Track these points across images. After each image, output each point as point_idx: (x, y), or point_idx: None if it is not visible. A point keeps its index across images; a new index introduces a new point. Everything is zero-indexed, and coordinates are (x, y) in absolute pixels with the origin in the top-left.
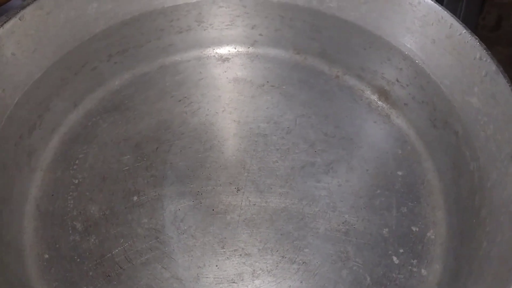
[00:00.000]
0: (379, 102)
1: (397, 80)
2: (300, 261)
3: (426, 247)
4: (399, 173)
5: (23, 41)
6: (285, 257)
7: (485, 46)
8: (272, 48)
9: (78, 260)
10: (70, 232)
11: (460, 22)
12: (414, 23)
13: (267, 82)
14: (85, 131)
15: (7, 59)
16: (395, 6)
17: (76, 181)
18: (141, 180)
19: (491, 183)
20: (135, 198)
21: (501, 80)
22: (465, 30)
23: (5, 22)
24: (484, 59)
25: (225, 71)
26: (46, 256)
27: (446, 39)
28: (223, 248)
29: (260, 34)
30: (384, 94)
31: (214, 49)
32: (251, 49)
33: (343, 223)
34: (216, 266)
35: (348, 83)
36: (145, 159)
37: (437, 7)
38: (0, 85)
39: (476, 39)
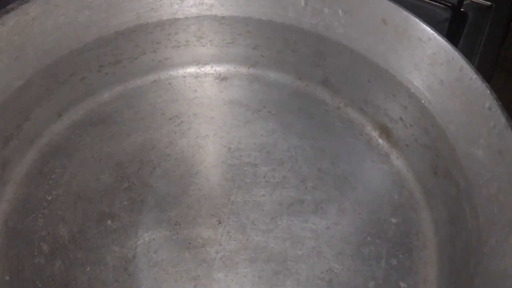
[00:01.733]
0: (380, 140)
1: (401, 119)
2: None
3: None
4: (393, 220)
5: (4, 47)
6: None
7: (495, 96)
8: (273, 71)
9: (40, 286)
10: (36, 253)
11: (472, 66)
12: (423, 60)
13: (264, 107)
14: (66, 143)
15: None
16: (404, 39)
17: (50, 198)
18: (118, 202)
19: (489, 249)
20: (109, 222)
21: (510, 136)
22: (476, 76)
23: None
24: (494, 109)
25: (222, 91)
26: (7, 277)
27: (455, 81)
28: (195, 287)
29: (262, 55)
30: (385, 132)
31: (212, 67)
32: (251, 70)
33: (327, 271)
34: None
35: (349, 116)
36: (125, 180)
37: (448, 46)
38: None
39: (487, 86)
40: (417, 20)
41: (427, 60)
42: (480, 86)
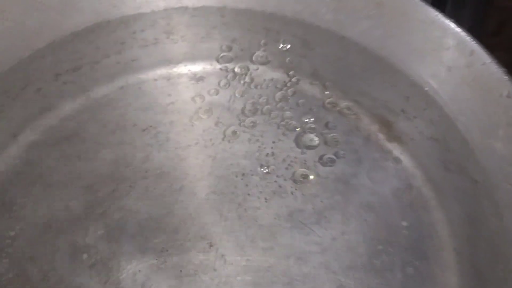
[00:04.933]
0: (380, 135)
1: (403, 111)
2: None
3: None
4: (404, 223)
5: None
6: None
7: None
8: (255, 66)
9: None
10: None
11: (485, 49)
12: (426, 45)
13: (249, 108)
14: (26, 169)
15: None
16: (403, 23)
17: (13, 234)
18: (92, 232)
19: None
20: (85, 256)
21: None
22: (490, 60)
23: None
24: None
25: (199, 94)
26: None
27: (465, 68)
28: None
29: (241, 49)
30: (386, 126)
31: (186, 66)
32: (230, 67)
33: (338, 287)
34: None
35: (343, 110)
36: (98, 204)
37: (455, 28)
38: None
39: (504, 71)
40: (418, 0)
41: (430, 44)
42: (496, 71)
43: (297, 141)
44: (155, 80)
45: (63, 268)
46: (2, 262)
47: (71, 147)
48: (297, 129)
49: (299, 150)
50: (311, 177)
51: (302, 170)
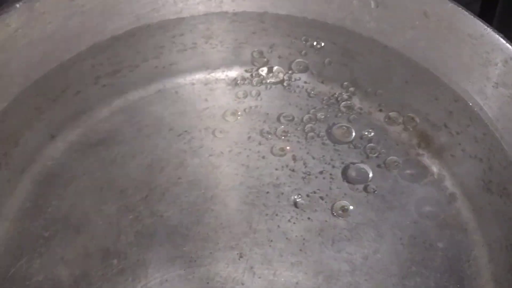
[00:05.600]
0: (419, 150)
1: (445, 125)
2: None
3: None
4: (440, 245)
5: None
6: None
7: None
8: (293, 73)
9: None
10: None
11: None
12: (473, 60)
13: (284, 116)
14: (62, 170)
15: None
16: (450, 35)
17: (47, 235)
18: (123, 238)
19: None
20: (115, 261)
21: None
22: None
23: None
24: None
25: (236, 100)
26: None
27: None
28: None
29: (279, 56)
30: (425, 140)
31: (223, 72)
32: (268, 73)
33: None
34: None
35: (382, 123)
36: (131, 210)
37: (504, 44)
38: None
39: None
40: (466, 13)
41: (478, 59)
42: None
43: (333, 153)
44: (193, 84)
45: (93, 273)
46: (33, 263)
47: (107, 150)
48: (334, 143)
49: (336, 163)
50: (348, 190)
51: (338, 183)
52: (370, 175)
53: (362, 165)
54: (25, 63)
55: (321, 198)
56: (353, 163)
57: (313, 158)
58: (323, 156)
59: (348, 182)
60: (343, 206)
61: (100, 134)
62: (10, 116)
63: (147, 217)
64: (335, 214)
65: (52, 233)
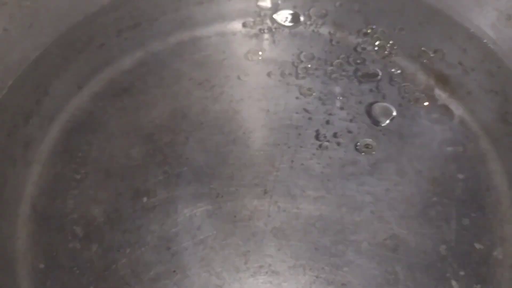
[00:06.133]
0: (436, 89)
1: (460, 63)
2: (338, 283)
3: (492, 269)
4: (460, 176)
5: (17, 14)
6: (320, 277)
7: None
8: (307, 22)
9: (78, 272)
10: (70, 238)
11: None
12: None
13: (301, 62)
14: (90, 118)
15: None
16: None
17: (79, 177)
18: (152, 178)
19: None
20: (145, 199)
21: None
22: None
23: None
24: None
25: (252, 49)
26: (42, 266)
27: None
28: (246, 263)
29: (295, 6)
30: (442, 80)
31: (240, 23)
32: (284, 24)
33: (390, 237)
34: (238, 285)
35: (399, 65)
36: (157, 152)
37: None
38: None
39: None
40: None
41: None
42: None
43: (355, 91)
44: (210, 37)
45: (124, 210)
46: (67, 203)
47: (131, 98)
48: (352, 83)
49: (354, 103)
50: (367, 128)
51: (356, 123)
52: (394, 113)
53: (384, 103)
54: (54, 15)
55: (342, 135)
56: (375, 102)
57: (334, 96)
58: (344, 93)
59: (370, 119)
60: (365, 143)
61: (123, 84)
62: (41, 66)
63: (173, 159)
64: (357, 149)
65: (83, 175)
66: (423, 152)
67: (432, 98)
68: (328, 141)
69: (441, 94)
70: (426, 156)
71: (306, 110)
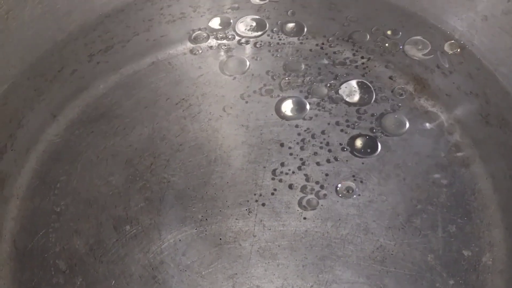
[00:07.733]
0: (415, 94)
1: (437, 67)
2: None
3: (482, 276)
4: (444, 181)
5: None
6: None
7: None
8: (282, 33)
9: None
10: (53, 273)
11: None
12: None
13: (278, 75)
14: (66, 147)
15: None
16: None
17: (58, 209)
18: (133, 204)
19: None
20: (128, 227)
21: None
22: None
23: None
24: None
25: (228, 64)
26: None
27: (503, 15)
28: (233, 287)
29: (268, 18)
30: (420, 84)
31: (214, 38)
32: (257, 37)
33: (378, 248)
34: None
35: (375, 71)
36: (138, 178)
37: None
38: None
39: None
40: None
41: None
42: None
43: (329, 101)
44: (184, 54)
45: (107, 240)
46: (49, 237)
47: (107, 123)
48: (331, 93)
49: (333, 110)
50: (347, 138)
51: (336, 134)
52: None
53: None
54: (20, 45)
55: (321, 147)
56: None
57: (310, 111)
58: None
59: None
60: (344, 152)
61: (99, 109)
62: (11, 99)
63: (155, 184)
64: (339, 160)
65: (63, 207)
66: (405, 159)
67: (411, 103)
68: (309, 154)
69: (420, 98)
70: (409, 163)
71: (286, 123)
